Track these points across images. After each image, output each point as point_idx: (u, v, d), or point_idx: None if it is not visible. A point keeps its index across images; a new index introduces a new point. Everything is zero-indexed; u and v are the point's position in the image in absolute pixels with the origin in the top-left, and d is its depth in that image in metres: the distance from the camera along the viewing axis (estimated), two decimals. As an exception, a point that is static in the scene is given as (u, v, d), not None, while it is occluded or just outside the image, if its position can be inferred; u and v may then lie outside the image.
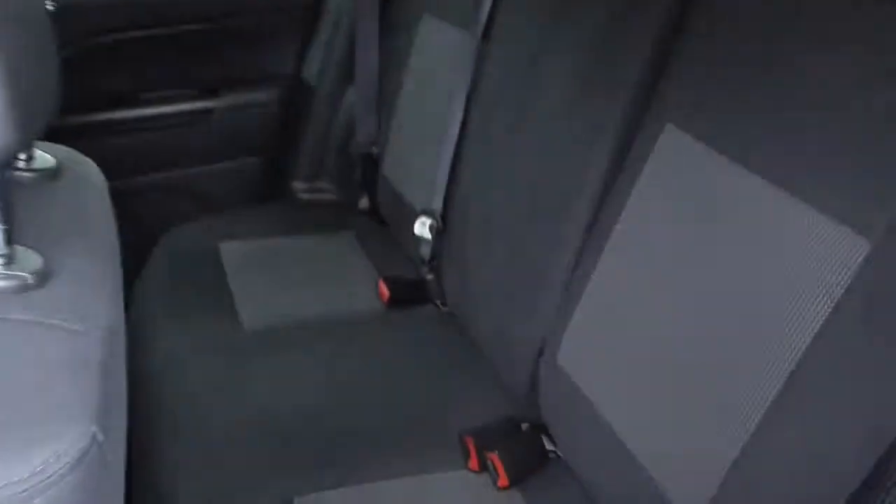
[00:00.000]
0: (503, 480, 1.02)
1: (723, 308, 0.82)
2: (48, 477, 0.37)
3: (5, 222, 0.44)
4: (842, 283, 0.72)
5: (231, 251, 1.50)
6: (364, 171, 1.70)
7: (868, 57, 0.75)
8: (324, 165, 1.78)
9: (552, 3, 1.17)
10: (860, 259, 0.71)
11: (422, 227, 1.37)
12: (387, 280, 1.41)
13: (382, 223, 1.66)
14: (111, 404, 0.42)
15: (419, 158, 1.46)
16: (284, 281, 1.43)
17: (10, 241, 0.45)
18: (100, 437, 0.40)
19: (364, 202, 1.74)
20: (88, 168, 0.63)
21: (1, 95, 0.39)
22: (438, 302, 1.41)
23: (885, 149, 0.71)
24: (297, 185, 1.79)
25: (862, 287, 0.70)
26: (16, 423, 0.38)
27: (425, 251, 1.39)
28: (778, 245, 0.78)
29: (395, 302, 1.39)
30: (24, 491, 0.36)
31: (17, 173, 0.56)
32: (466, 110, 1.33)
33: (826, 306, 0.73)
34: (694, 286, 0.86)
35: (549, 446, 1.10)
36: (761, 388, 0.76)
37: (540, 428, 1.12)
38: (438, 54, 1.45)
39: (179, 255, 1.49)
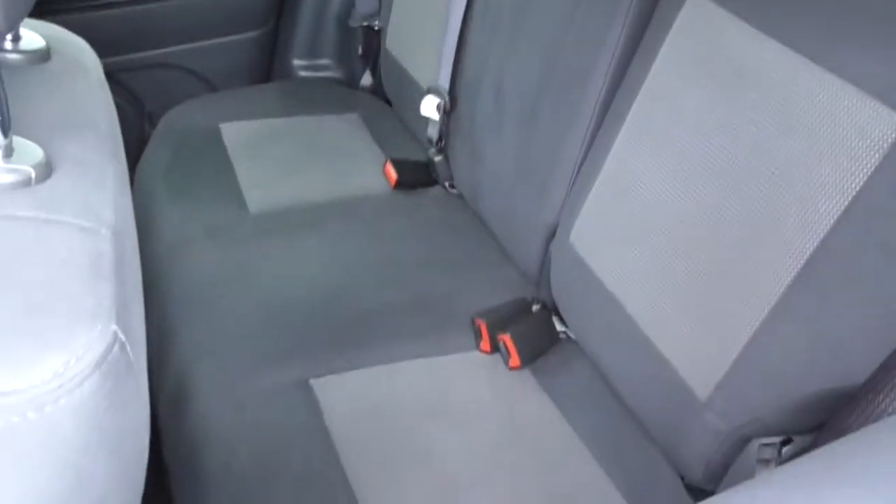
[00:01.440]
0: (515, 361, 1.04)
1: (747, 182, 0.80)
2: (70, 380, 0.36)
3: (1, 113, 0.40)
4: (873, 159, 0.70)
5: (232, 132, 1.45)
6: (366, 46, 1.63)
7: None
8: (323, 40, 1.70)
9: None
10: (892, 138, 0.68)
11: (429, 107, 1.33)
12: (394, 162, 1.38)
13: (387, 102, 1.61)
14: (130, 303, 0.41)
15: (424, 33, 1.39)
16: (289, 163, 1.40)
17: (7, 131, 0.42)
18: (122, 336, 0.39)
19: (367, 79, 1.67)
20: (81, 48, 0.58)
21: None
22: (447, 183, 1.38)
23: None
24: (297, 62, 1.71)
25: (893, 166, 0.68)
26: (31, 326, 0.36)
27: (433, 132, 1.35)
28: (808, 117, 0.75)
29: (403, 184, 1.37)
30: (45, 394, 0.35)
31: (3, 55, 0.51)
32: (474, -18, 1.25)
33: (856, 182, 0.71)
34: (717, 160, 0.84)
35: (559, 327, 1.11)
36: (782, 266, 0.75)
37: (551, 309, 1.12)
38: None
39: (180, 136, 1.45)
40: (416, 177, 1.39)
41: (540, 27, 1.11)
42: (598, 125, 1.02)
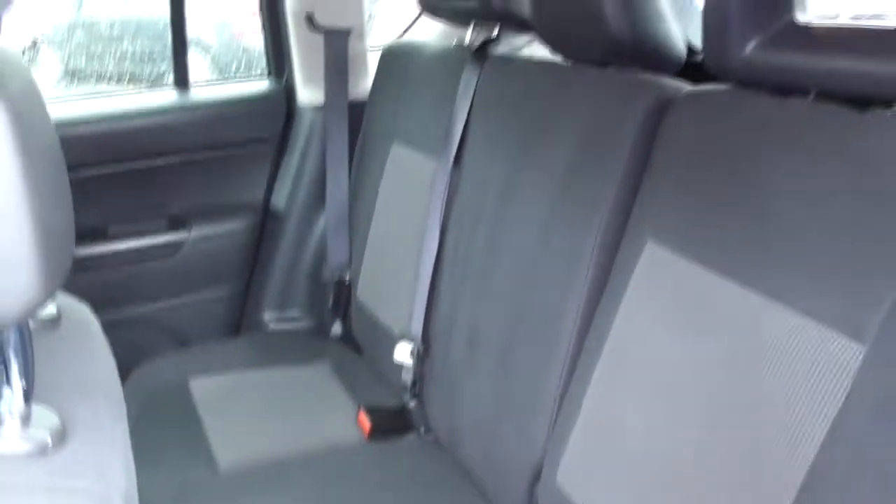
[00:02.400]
0: None
1: (725, 421, 0.82)
2: None
3: (27, 380, 0.41)
4: (843, 388, 0.72)
5: (202, 387, 1.44)
6: (336, 297, 1.69)
7: (835, 168, 0.78)
8: (294, 293, 1.76)
9: (523, 129, 1.21)
10: (857, 363, 0.71)
11: (402, 353, 1.35)
12: (367, 410, 1.37)
13: (357, 350, 1.63)
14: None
15: (395, 283, 1.46)
16: (259, 417, 1.38)
17: (29, 398, 0.41)
18: None
19: (337, 329, 1.71)
20: (86, 314, 0.60)
21: (31, 241, 0.37)
22: (423, 429, 1.36)
23: (864, 253, 0.73)
24: (267, 316, 1.75)
25: (865, 389, 0.71)
26: None
27: (407, 377, 1.36)
28: (775, 351, 0.79)
29: (378, 432, 1.35)
30: None
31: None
32: (442, 233, 1.35)
33: (830, 413, 0.73)
34: (693, 400, 0.86)
35: (553, 579, 1.04)
36: (776, 495, 0.75)
37: (542, 559, 1.06)
38: (410, 180, 1.48)
39: (148, 393, 1.42)
40: (391, 424, 1.37)
41: (508, 276, 1.18)
42: (574, 364, 1.05)
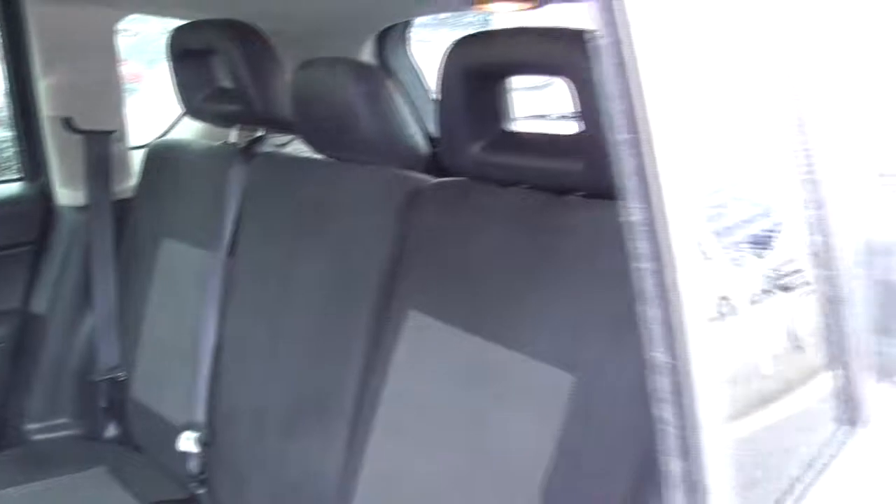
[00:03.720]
0: None
1: (484, 456, 0.98)
2: None
3: None
4: (561, 410, 0.91)
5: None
6: (110, 397, 1.64)
7: (543, 240, 1.00)
8: (60, 399, 1.67)
9: (294, 220, 1.33)
10: (568, 390, 0.91)
11: (186, 442, 1.38)
12: (154, 506, 1.36)
13: (136, 449, 1.60)
14: None
15: (175, 375, 1.48)
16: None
17: None
18: None
19: (112, 430, 1.65)
20: None
21: None
22: (213, 515, 1.38)
23: (574, 308, 0.95)
24: (31, 427, 1.65)
25: (576, 409, 0.90)
26: None
27: (193, 466, 1.38)
28: (515, 393, 0.97)
29: (168, 527, 1.34)
30: None
31: None
32: (221, 322, 1.41)
33: (556, 432, 0.91)
34: (458, 442, 1.01)
35: None
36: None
37: None
38: (184, 274, 1.52)
39: None
40: (180, 516, 1.37)
41: (290, 353, 1.27)
42: (355, 433, 1.15)
